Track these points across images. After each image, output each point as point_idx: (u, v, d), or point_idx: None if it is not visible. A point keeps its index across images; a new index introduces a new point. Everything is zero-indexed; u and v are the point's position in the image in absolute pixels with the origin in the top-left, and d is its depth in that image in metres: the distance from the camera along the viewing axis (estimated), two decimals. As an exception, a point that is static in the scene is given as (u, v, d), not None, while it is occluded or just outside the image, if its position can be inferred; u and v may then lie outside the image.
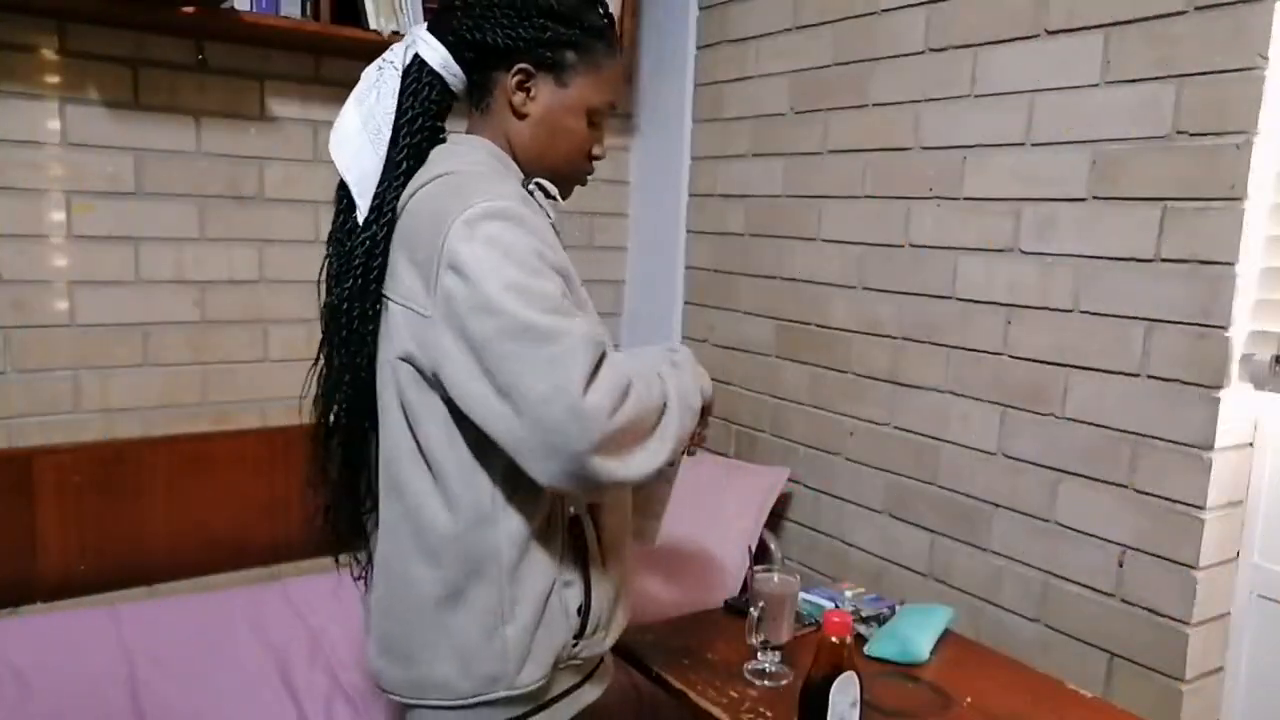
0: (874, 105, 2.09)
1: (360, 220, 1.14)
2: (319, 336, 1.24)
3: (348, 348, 1.16)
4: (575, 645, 1.17)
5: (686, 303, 2.71)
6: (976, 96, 1.87)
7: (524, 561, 1.12)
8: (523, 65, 1.15)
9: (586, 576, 1.17)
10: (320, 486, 1.25)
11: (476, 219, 1.03)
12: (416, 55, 1.16)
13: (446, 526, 1.12)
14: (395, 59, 1.17)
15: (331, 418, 1.22)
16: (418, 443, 1.12)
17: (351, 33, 2.10)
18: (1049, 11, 1.73)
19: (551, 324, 1.01)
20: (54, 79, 2.02)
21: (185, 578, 2.23)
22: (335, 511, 1.26)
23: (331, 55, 2.29)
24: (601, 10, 1.20)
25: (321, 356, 1.22)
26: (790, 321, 2.34)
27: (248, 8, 1.99)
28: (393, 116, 1.14)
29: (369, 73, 1.18)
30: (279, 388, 2.34)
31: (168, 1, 1.86)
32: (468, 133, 1.22)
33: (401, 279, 1.10)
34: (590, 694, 1.23)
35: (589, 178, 1.27)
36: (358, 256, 1.13)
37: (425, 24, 1.20)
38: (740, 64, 2.46)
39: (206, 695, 1.74)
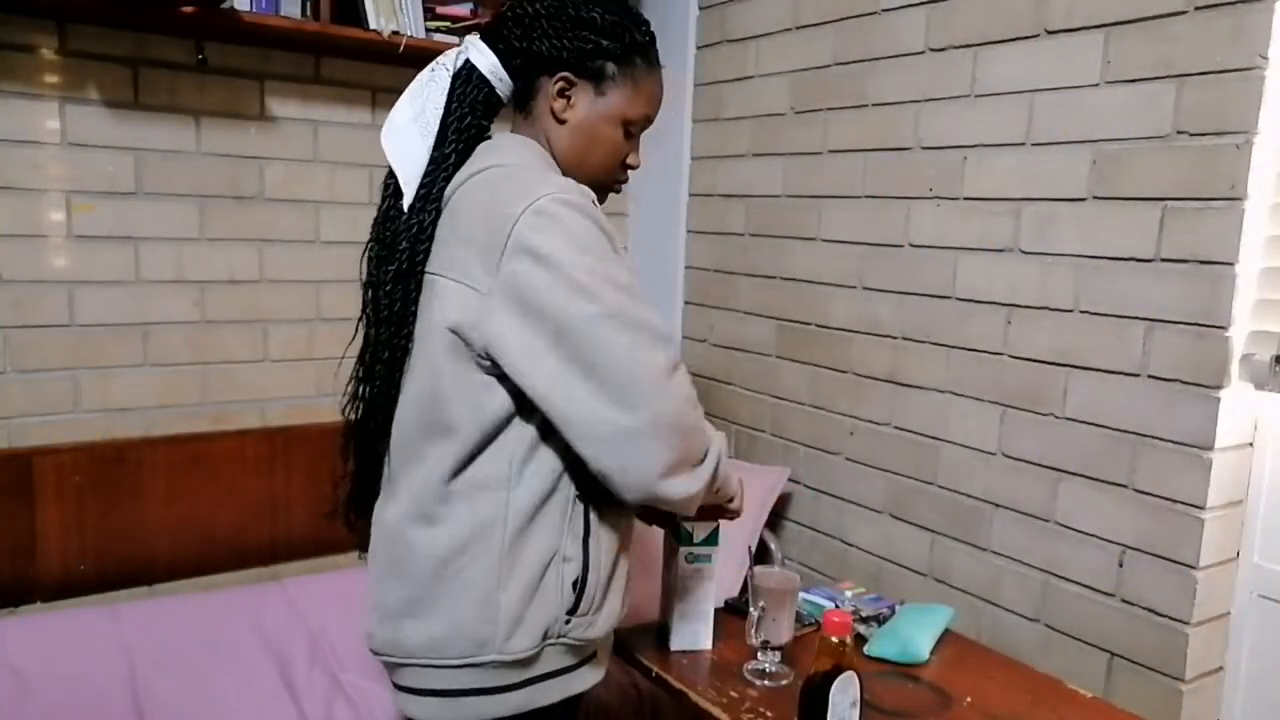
0: (874, 105, 2.09)
1: (405, 207, 1.20)
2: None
3: (391, 324, 1.21)
4: (568, 622, 1.19)
5: (686, 303, 2.71)
6: (976, 96, 1.87)
7: (527, 530, 1.16)
8: (564, 74, 1.22)
9: (586, 553, 1.19)
10: (349, 453, 1.32)
11: (548, 208, 1.10)
12: (468, 60, 1.23)
13: (455, 490, 1.16)
14: (447, 62, 1.24)
15: (370, 388, 1.27)
16: (441, 411, 1.16)
17: (351, 33, 2.10)
18: (1049, 11, 1.73)
19: (637, 311, 1.10)
20: (54, 79, 2.02)
21: (185, 578, 2.23)
22: (358, 476, 1.33)
23: (331, 55, 2.29)
24: (643, 30, 1.26)
25: (360, 330, 1.28)
26: (790, 321, 2.34)
27: (248, 8, 1.99)
28: (441, 114, 1.21)
29: (422, 75, 1.25)
30: (279, 388, 2.34)
31: (168, 1, 1.86)
32: (512, 133, 1.28)
33: (455, 259, 1.16)
34: (580, 681, 1.24)
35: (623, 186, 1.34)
36: (403, 240, 1.19)
37: (478, 33, 1.26)
38: (740, 64, 2.46)
39: (206, 695, 1.74)
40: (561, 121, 1.24)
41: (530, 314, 1.09)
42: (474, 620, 1.16)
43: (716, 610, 1.62)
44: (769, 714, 1.40)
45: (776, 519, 2.37)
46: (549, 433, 1.15)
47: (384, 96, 2.38)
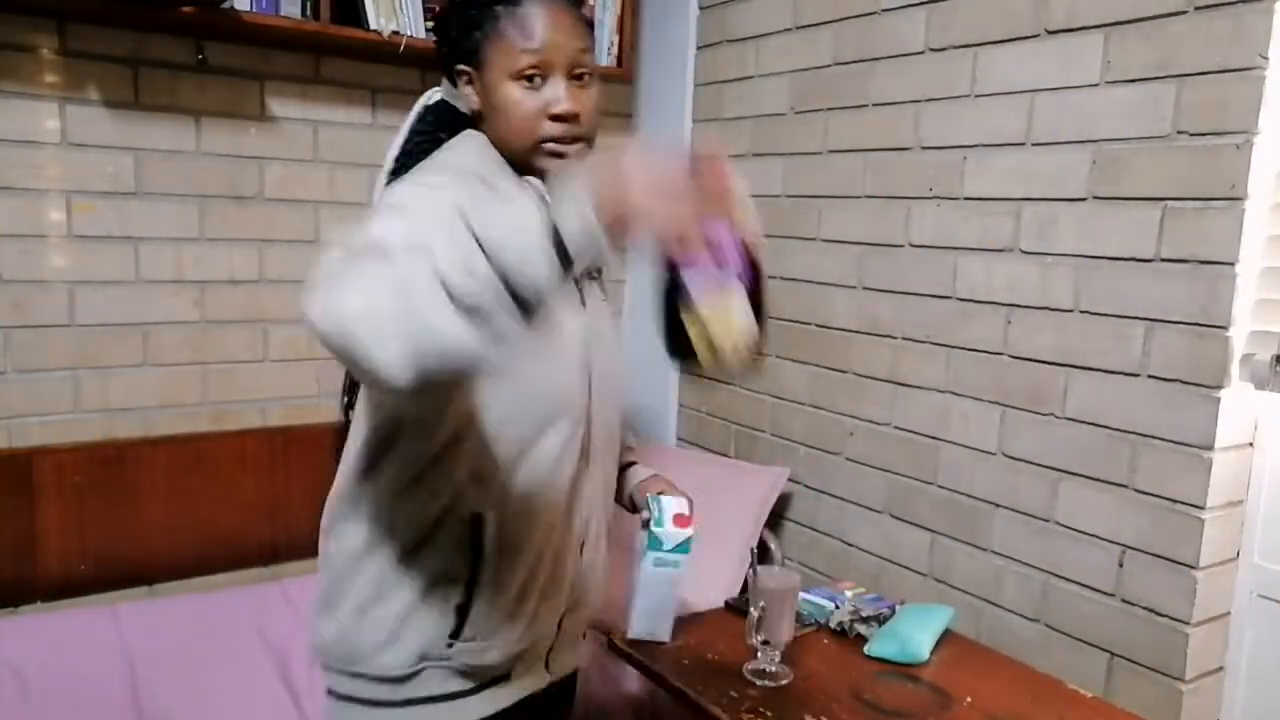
0: (874, 105, 2.09)
1: None
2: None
3: None
4: (450, 646, 1.14)
5: (686, 303, 2.70)
6: (976, 96, 1.87)
7: (421, 545, 1.13)
8: (458, 69, 1.20)
9: (473, 577, 1.14)
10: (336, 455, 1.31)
11: (397, 184, 1.10)
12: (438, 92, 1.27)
13: (361, 493, 1.15)
14: (424, 99, 1.27)
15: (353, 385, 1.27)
16: (361, 413, 1.17)
17: (351, 33, 2.10)
18: (1049, 11, 1.73)
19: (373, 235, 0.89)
20: (54, 79, 2.01)
21: (185, 578, 2.22)
22: None
23: (331, 55, 2.29)
24: None
25: None
26: (790, 321, 2.34)
27: (248, 8, 1.99)
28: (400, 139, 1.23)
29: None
30: (279, 388, 2.33)
31: (168, 1, 1.86)
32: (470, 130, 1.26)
33: None
34: (474, 709, 1.18)
35: (571, 145, 1.16)
36: None
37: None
38: (740, 64, 2.46)
39: (206, 695, 1.74)
40: (479, 115, 1.20)
41: None
42: (350, 629, 1.15)
43: (716, 610, 1.62)
44: (769, 714, 1.40)
45: (776, 519, 2.37)
46: (448, 449, 1.10)
47: (384, 96, 2.38)
